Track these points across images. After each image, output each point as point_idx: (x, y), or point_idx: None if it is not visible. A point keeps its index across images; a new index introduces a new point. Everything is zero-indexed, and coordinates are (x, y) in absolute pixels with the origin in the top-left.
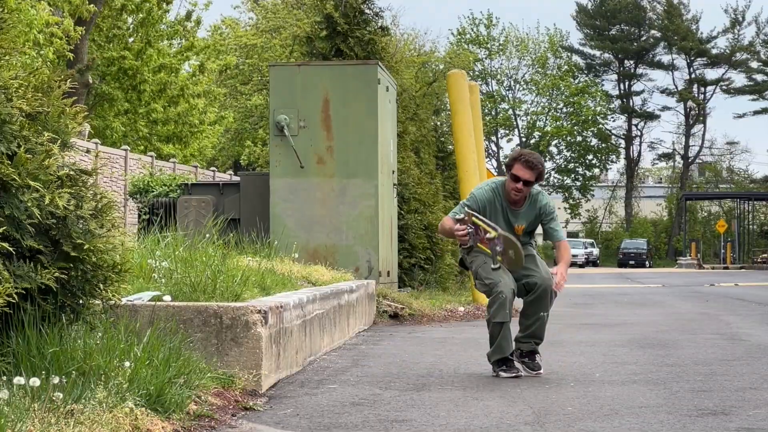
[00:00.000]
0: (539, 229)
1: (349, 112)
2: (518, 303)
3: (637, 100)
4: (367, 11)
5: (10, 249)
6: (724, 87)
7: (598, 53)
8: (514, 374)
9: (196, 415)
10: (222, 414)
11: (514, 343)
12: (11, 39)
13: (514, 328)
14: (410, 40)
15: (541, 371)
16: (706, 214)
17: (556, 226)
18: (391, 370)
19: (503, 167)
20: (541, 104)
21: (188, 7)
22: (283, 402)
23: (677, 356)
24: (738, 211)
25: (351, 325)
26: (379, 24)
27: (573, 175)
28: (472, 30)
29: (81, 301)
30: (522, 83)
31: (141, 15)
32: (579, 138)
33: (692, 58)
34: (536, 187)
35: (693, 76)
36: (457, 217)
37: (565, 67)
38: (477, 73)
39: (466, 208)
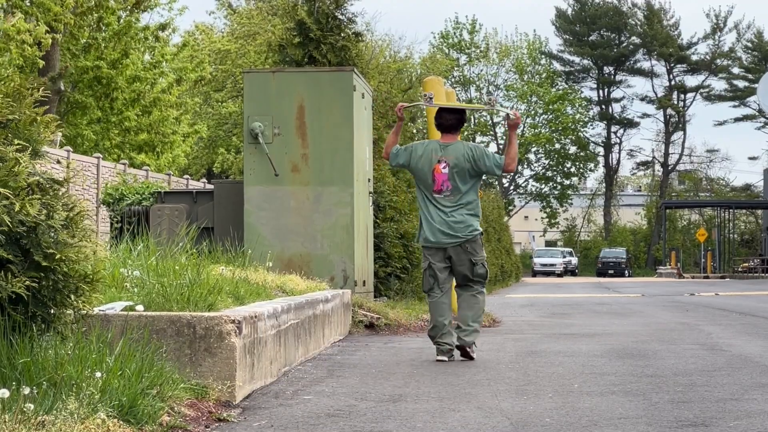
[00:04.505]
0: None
1: (324, 120)
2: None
3: (616, 107)
4: (340, 17)
5: None
6: (704, 94)
7: (577, 59)
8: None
9: (169, 426)
10: (195, 425)
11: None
12: None
13: None
14: (385, 46)
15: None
16: (686, 222)
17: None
18: (366, 381)
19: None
20: (520, 111)
21: (165, 16)
22: (258, 413)
23: (657, 367)
24: (718, 220)
25: (326, 336)
26: (353, 30)
27: (551, 184)
28: (456, 34)
29: (52, 311)
30: (502, 89)
31: (117, 26)
32: (557, 146)
33: (672, 65)
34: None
35: (673, 83)
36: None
37: (544, 74)
38: (455, 78)
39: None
